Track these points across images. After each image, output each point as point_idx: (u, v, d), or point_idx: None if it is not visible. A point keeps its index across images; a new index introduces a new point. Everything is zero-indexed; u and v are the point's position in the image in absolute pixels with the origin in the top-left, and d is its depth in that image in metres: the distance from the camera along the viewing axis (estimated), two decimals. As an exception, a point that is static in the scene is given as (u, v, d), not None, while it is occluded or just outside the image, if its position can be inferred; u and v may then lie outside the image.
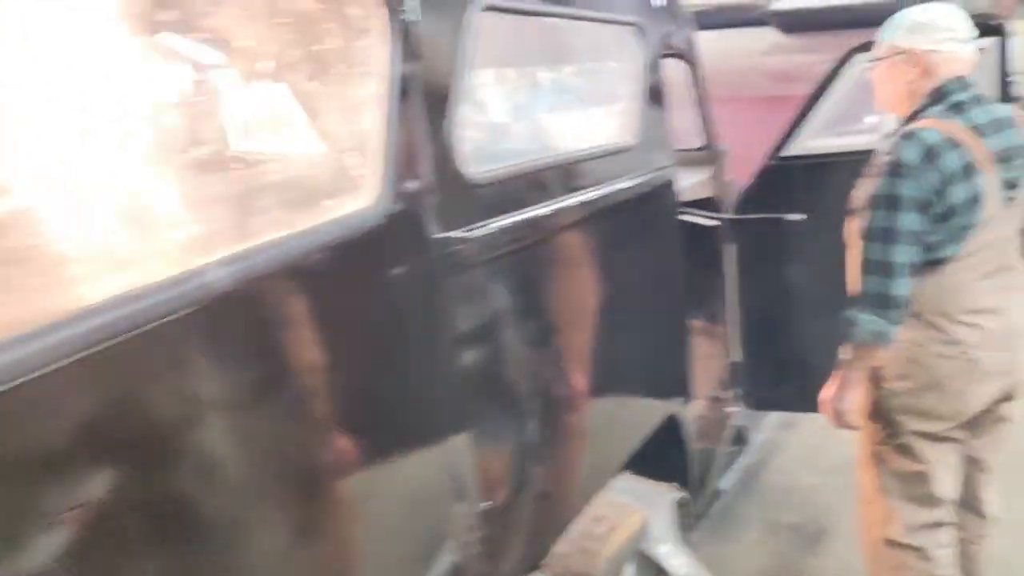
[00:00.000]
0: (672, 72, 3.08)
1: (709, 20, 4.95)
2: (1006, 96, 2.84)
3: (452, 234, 1.41)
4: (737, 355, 3.47)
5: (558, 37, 2.05)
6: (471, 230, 1.45)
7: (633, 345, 2.23)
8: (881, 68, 2.31)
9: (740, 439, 3.76)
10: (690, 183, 3.25)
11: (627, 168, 2.12)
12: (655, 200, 2.32)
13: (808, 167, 3.19)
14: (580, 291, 1.93)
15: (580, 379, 1.92)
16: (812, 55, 3.82)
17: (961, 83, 2.19)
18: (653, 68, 2.30)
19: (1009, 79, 2.87)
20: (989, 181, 2.10)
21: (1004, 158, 2.15)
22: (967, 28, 2.22)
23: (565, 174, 1.83)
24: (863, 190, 2.21)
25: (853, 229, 2.30)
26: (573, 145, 2.00)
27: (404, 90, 1.24)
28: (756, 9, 4.87)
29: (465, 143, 1.46)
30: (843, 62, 3.03)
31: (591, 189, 1.91)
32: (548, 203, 1.72)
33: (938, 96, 2.19)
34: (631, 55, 2.22)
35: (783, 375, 3.39)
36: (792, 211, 3.18)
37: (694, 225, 3.26)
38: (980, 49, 2.86)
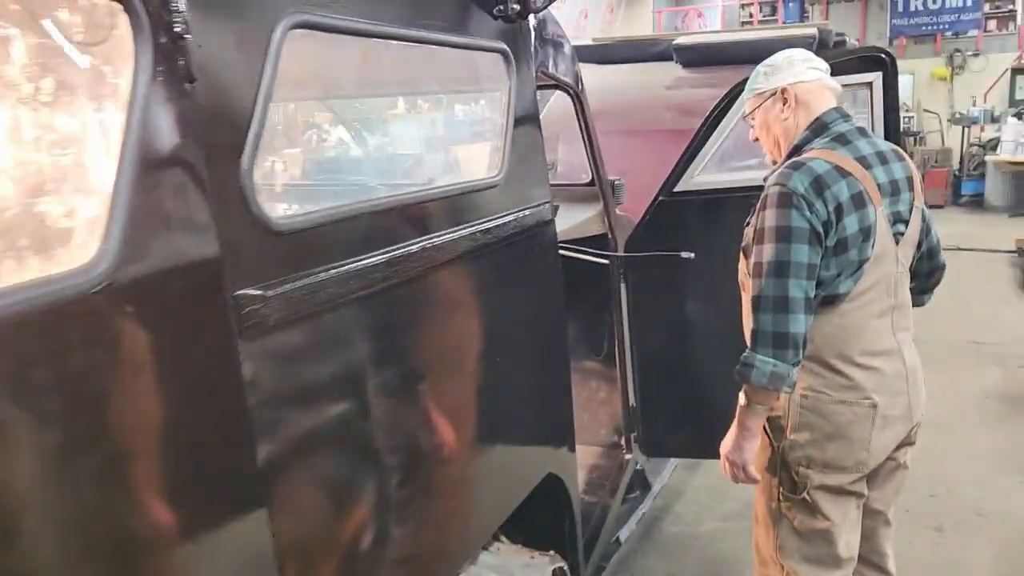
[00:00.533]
0: (565, 106, 2.93)
1: (614, 54, 4.92)
2: (894, 129, 2.78)
3: (246, 292, 1.18)
4: (635, 399, 3.30)
5: (405, 62, 1.84)
6: (272, 286, 1.22)
7: (500, 401, 2.01)
8: (757, 121, 2.24)
9: (641, 485, 3.60)
10: (580, 219, 3.09)
11: (491, 206, 1.92)
12: (528, 239, 2.12)
13: (700, 203, 3.08)
14: (431, 345, 1.72)
15: (431, 445, 1.69)
16: (712, 89, 3.75)
17: (840, 113, 2.14)
18: (524, 98, 2.11)
19: (896, 113, 2.81)
20: (879, 213, 2.02)
21: (891, 191, 2.08)
22: (823, 63, 2.18)
23: (408, 215, 1.61)
24: (753, 225, 2.08)
25: (744, 267, 2.17)
26: (419, 182, 1.78)
27: (160, 119, 1.00)
28: (660, 44, 4.85)
29: (270, 185, 1.23)
30: (731, 96, 2.93)
31: (443, 230, 1.70)
32: (385, 250, 1.50)
33: (819, 128, 2.13)
34: (497, 84, 2.04)
35: (680, 420, 3.24)
36: (685, 248, 3.06)
37: (582, 263, 3.09)
38: (868, 83, 2.83)
